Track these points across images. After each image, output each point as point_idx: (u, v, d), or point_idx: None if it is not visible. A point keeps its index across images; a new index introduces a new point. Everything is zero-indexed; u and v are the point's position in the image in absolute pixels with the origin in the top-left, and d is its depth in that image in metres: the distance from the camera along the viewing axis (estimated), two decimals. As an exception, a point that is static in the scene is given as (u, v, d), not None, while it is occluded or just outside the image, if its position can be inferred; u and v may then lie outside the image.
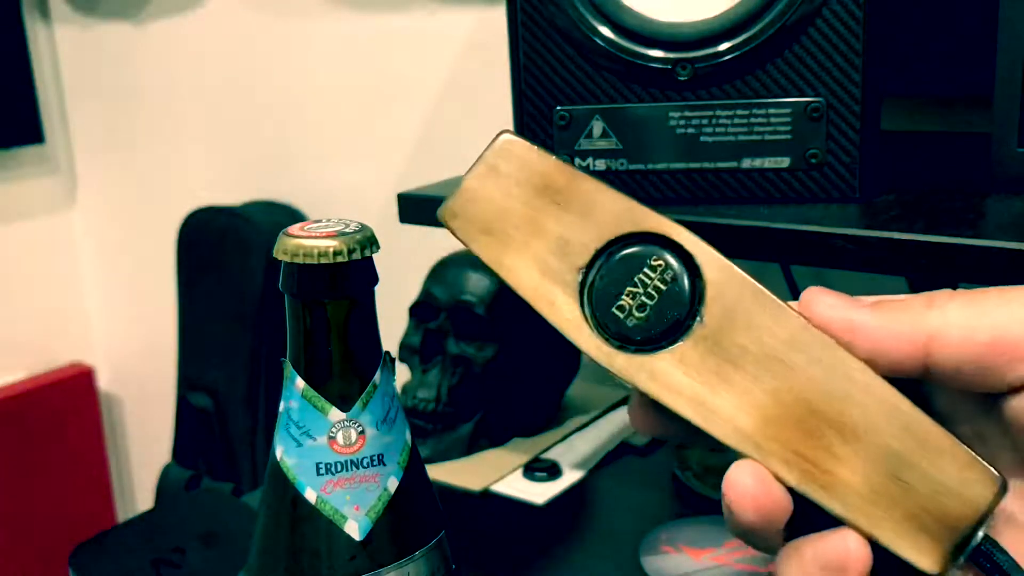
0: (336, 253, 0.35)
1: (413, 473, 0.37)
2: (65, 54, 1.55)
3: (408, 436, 0.38)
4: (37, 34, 1.54)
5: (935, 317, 0.28)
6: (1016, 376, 0.27)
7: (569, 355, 0.96)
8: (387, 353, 0.38)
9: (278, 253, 0.35)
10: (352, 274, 0.36)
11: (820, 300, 0.29)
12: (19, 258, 1.58)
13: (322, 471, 0.35)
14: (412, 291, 0.93)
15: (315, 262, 0.35)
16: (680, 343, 0.29)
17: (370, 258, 0.37)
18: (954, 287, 0.30)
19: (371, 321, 0.37)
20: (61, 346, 1.64)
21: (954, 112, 0.81)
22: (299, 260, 0.35)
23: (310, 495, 0.35)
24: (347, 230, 0.36)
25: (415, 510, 0.37)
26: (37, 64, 1.53)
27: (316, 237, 0.35)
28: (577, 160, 0.61)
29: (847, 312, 0.29)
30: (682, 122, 0.59)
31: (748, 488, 0.27)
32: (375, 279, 0.38)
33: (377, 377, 0.36)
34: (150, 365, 1.61)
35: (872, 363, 0.28)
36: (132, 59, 1.45)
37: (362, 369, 0.36)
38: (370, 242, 0.36)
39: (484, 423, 0.90)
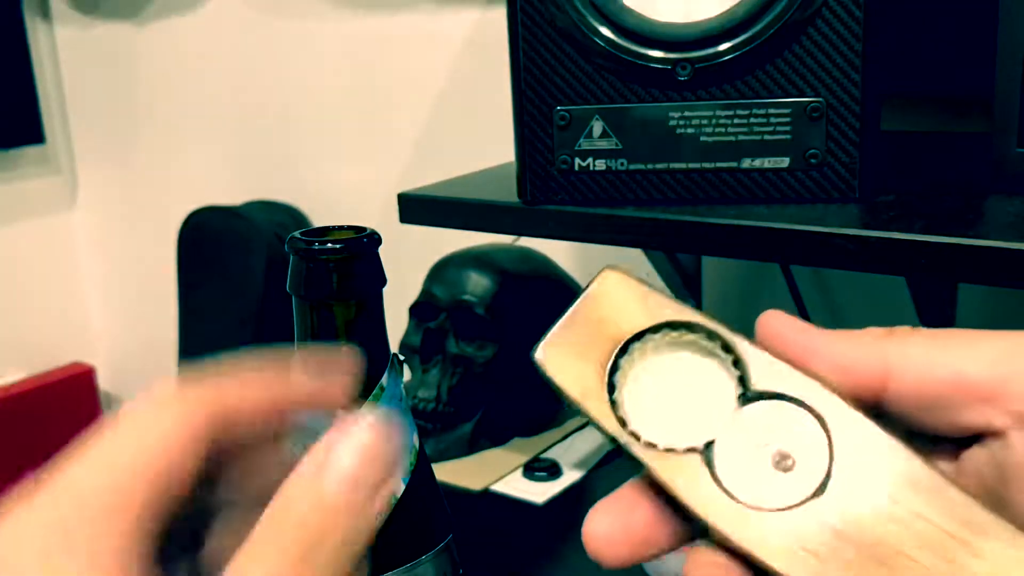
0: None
1: (420, 476, 0.37)
2: (65, 54, 1.55)
3: (416, 439, 0.37)
4: (37, 34, 1.54)
5: (895, 347, 0.27)
6: (971, 418, 0.27)
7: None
8: (395, 355, 0.38)
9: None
10: (360, 276, 0.36)
11: (779, 320, 0.28)
12: (19, 258, 1.58)
13: None
14: (412, 291, 0.93)
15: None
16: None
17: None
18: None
19: (379, 323, 0.37)
20: (61, 346, 1.64)
21: (954, 112, 0.81)
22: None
23: None
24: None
25: (422, 514, 0.37)
26: (37, 64, 1.53)
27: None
28: (577, 160, 0.61)
29: (805, 334, 0.28)
30: (682, 122, 0.59)
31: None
32: (383, 281, 0.38)
33: (385, 379, 0.36)
34: (150, 365, 1.61)
35: None
36: (132, 59, 1.45)
37: (370, 371, 0.36)
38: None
39: (484, 423, 0.90)
